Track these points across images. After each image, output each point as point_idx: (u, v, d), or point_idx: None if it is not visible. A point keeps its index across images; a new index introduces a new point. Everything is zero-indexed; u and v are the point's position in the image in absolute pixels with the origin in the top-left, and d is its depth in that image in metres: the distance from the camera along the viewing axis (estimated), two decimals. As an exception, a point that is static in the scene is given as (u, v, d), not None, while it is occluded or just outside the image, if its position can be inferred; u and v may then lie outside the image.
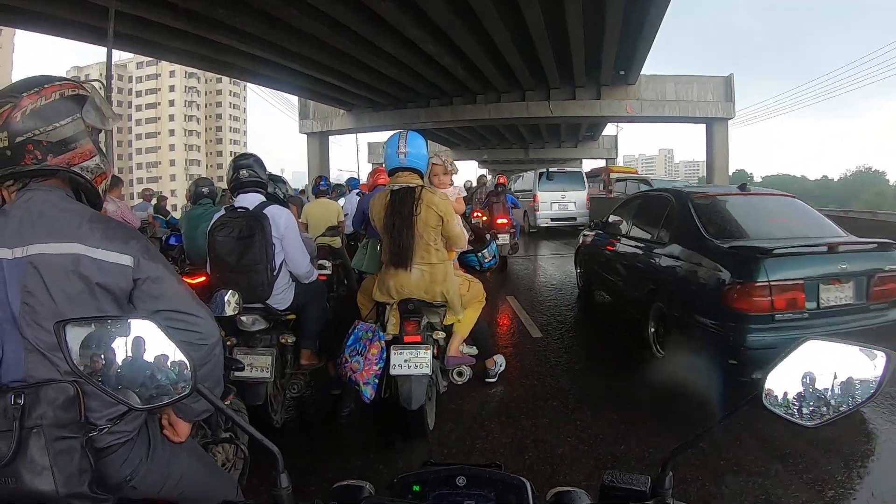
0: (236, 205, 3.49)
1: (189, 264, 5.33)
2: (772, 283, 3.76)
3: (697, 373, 4.01)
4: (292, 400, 3.97)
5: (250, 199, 3.49)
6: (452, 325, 3.76)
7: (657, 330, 4.96)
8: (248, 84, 37.04)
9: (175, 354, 0.91)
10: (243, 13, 16.11)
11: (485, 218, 9.59)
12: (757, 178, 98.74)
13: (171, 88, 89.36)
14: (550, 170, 18.55)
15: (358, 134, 43.18)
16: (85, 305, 1.27)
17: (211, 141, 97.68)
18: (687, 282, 4.50)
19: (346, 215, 7.18)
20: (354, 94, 27.71)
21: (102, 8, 12.57)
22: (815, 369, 0.86)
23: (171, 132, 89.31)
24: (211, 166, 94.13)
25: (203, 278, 3.94)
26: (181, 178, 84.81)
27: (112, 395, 0.88)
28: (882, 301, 4.05)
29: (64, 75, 1.46)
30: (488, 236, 5.84)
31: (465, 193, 7.03)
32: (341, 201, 8.14)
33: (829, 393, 0.85)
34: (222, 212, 3.51)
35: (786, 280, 3.80)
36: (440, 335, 3.64)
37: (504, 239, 9.30)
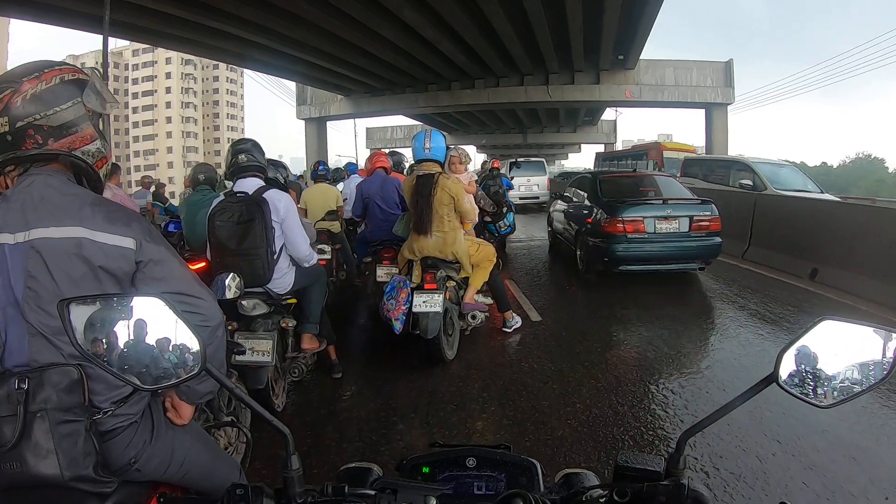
0: (235, 189, 3.48)
1: (189, 250, 5.33)
2: (624, 219, 7.27)
3: (594, 271, 7.87)
4: (293, 384, 4.00)
5: (250, 184, 3.48)
6: (468, 278, 4.84)
7: (580, 252, 8.31)
8: (246, 70, 36.84)
9: (184, 333, 0.89)
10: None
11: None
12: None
13: (168, 76, 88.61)
14: (519, 160, 21.17)
15: (356, 119, 43.02)
16: (88, 288, 1.27)
17: (208, 128, 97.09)
18: (590, 221, 7.88)
19: (345, 200, 7.16)
20: (352, 79, 27.50)
21: None
22: (829, 349, 0.85)
23: (168, 119, 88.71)
24: (208, 153, 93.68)
25: (203, 264, 3.94)
26: (179, 165, 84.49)
27: (118, 375, 0.87)
28: (699, 231, 7.38)
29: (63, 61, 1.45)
30: (504, 209, 8.55)
31: (476, 178, 7.88)
32: (340, 186, 8.11)
33: (844, 373, 0.85)
34: (222, 197, 3.51)
35: (632, 217, 7.29)
36: (452, 284, 4.75)
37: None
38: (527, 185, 21.48)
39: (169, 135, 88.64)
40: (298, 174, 11.85)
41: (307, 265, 3.69)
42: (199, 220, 4.78)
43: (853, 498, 2.70)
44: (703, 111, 30.11)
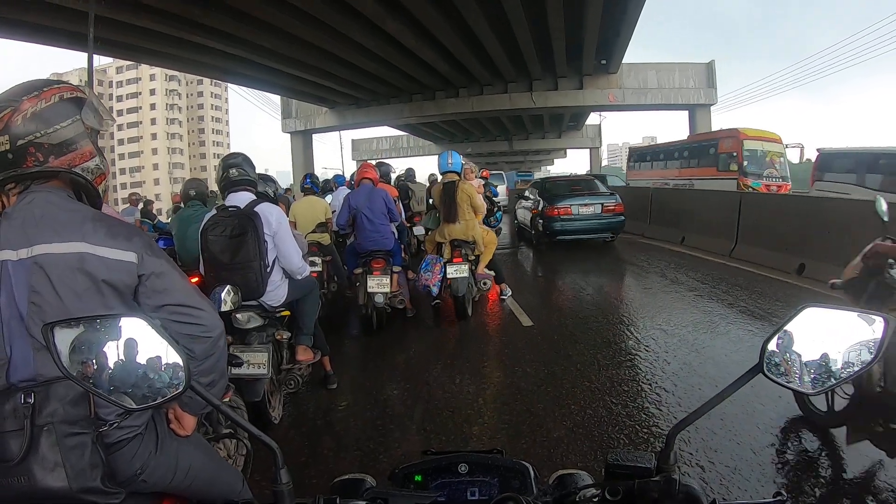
0: (227, 204, 3.50)
1: (181, 265, 5.32)
2: (558, 207, 11.54)
3: (543, 243, 12.17)
4: (289, 395, 4.00)
5: (241, 198, 3.50)
6: (479, 256, 6.52)
7: (533, 231, 12.57)
8: (230, 85, 36.76)
9: (168, 352, 0.89)
10: (220, 12, 15.97)
11: None
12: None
13: (152, 92, 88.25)
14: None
15: (342, 131, 42.92)
16: (91, 302, 1.29)
17: (194, 143, 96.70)
18: (541, 210, 11.96)
19: (333, 212, 7.16)
20: (336, 91, 27.48)
21: (81, 13, 12.37)
22: (814, 336, 0.86)
23: (154, 136, 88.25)
24: (195, 168, 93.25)
25: (196, 279, 3.93)
26: (165, 182, 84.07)
27: (105, 397, 0.88)
28: (607, 213, 11.46)
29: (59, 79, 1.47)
30: (495, 209, 11.48)
31: (483, 183, 10.39)
32: (329, 199, 8.11)
33: (830, 359, 0.85)
34: (213, 212, 3.52)
35: (562, 206, 11.54)
36: (472, 257, 6.42)
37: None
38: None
39: (155, 151, 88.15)
40: (286, 187, 11.83)
41: (300, 277, 3.71)
42: (190, 236, 4.78)
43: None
44: (686, 113, 30.33)
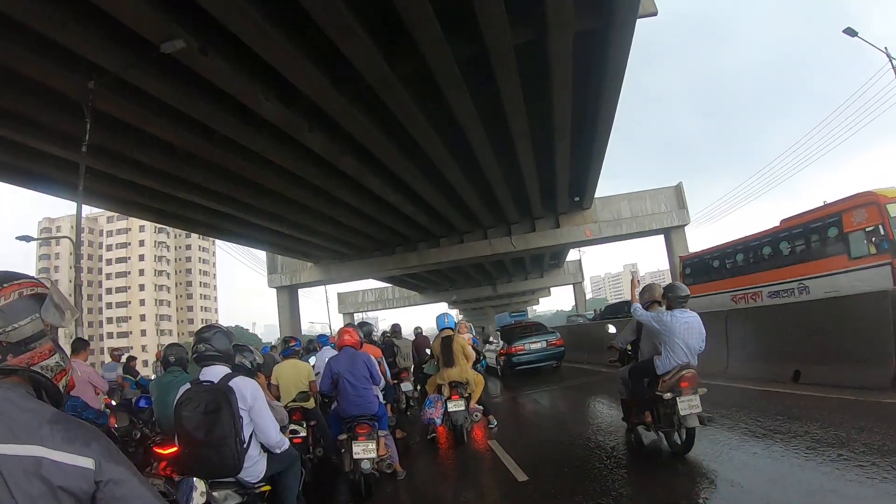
0: (201, 378, 3.49)
1: (160, 433, 5.19)
2: (513, 346, 15.49)
3: (507, 374, 15.81)
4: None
5: (215, 372, 3.50)
6: (471, 393, 7.75)
7: (498, 367, 16.35)
8: (217, 240, 37.46)
9: None
10: (209, 172, 16.78)
11: None
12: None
13: (141, 243, 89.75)
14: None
15: (327, 285, 43.11)
16: None
17: (181, 296, 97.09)
18: (502, 350, 16.06)
19: (317, 374, 7.07)
20: (320, 246, 28.17)
21: (72, 163, 12.90)
22: None
23: (142, 287, 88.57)
24: (182, 321, 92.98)
25: (174, 449, 3.84)
26: (152, 333, 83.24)
27: None
28: (552, 347, 15.40)
29: (23, 272, 1.51)
30: (480, 357, 10.98)
31: (472, 337, 12.24)
32: (312, 360, 8.03)
33: None
34: (188, 385, 3.51)
35: (517, 344, 15.49)
36: (466, 395, 7.64)
37: None
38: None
39: (142, 302, 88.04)
40: (272, 344, 11.79)
41: (279, 451, 3.64)
42: (170, 402, 4.68)
43: None
44: (662, 236, 31.15)
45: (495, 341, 16.62)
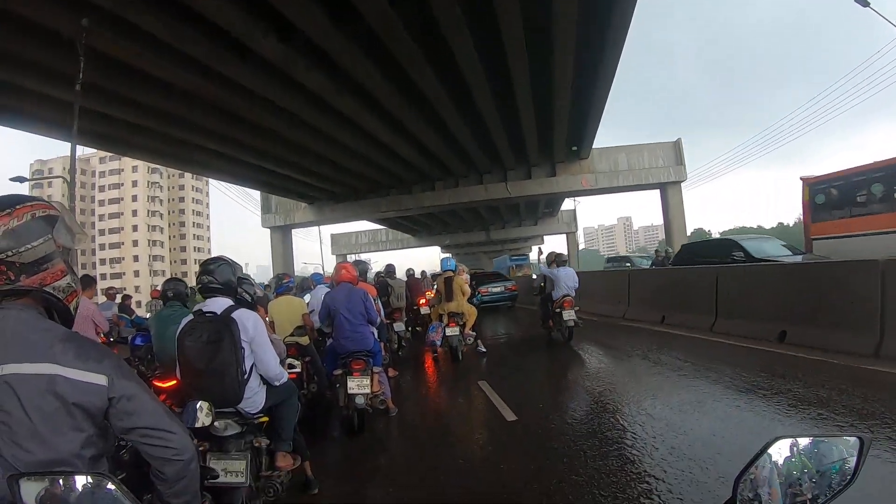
0: (204, 309, 3.50)
1: (158, 367, 5.25)
2: (480, 288, 19.51)
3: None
4: (269, 503, 3.86)
5: (218, 304, 3.50)
6: (465, 322, 9.68)
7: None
8: (211, 179, 37.26)
9: None
10: (203, 109, 16.55)
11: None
12: (715, 234, 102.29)
13: (134, 184, 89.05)
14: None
15: (321, 226, 43.23)
16: (61, 424, 1.29)
17: (175, 236, 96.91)
18: (474, 291, 17.00)
19: (311, 311, 7.14)
20: (315, 186, 28.07)
21: (66, 103, 12.79)
22: (786, 466, 0.85)
23: (135, 227, 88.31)
24: (175, 262, 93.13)
25: (174, 382, 3.88)
26: (145, 274, 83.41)
27: None
28: (508, 291, 21.01)
29: (32, 195, 1.52)
30: (474, 293, 14.43)
31: (468, 277, 13.45)
32: (307, 297, 8.10)
33: (804, 486, 0.84)
34: (191, 316, 3.53)
35: (483, 287, 20.02)
36: (461, 323, 9.58)
37: None
38: None
39: (135, 243, 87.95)
40: (265, 283, 11.83)
41: (278, 383, 3.68)
42: (169, 336, 4.72)
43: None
44: (658, 191, 31.19)
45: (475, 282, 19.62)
